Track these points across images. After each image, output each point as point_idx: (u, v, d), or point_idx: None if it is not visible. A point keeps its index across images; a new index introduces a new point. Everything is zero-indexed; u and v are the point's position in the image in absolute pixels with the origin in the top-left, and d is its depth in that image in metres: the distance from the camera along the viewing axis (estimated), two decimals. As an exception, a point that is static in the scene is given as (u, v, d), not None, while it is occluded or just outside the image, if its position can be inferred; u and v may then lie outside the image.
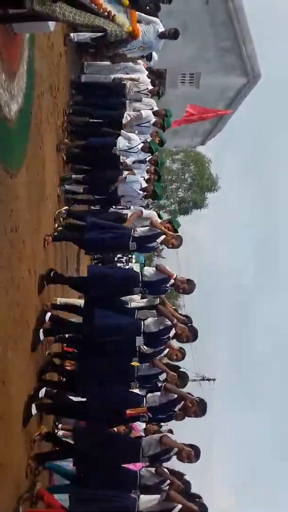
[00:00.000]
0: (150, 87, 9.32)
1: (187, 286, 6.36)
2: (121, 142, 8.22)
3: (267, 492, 75.58)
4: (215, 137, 27.80)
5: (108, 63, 9.76)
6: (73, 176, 8.27)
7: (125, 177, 8.10)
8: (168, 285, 6.45)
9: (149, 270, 6.49)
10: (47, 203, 6.58)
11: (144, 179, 8.41)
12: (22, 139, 5.14)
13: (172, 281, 6.36)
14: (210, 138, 27.49)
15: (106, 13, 4.17)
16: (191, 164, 34.74)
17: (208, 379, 33.14)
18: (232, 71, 21.11)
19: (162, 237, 6.74)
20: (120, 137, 8.24)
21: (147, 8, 10.19)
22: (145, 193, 8.32)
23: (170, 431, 6.48)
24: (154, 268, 6.50)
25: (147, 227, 6.87)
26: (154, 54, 10.21)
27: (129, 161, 8.19)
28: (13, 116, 4.58)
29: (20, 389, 4.94)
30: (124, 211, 8.56)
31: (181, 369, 6.31)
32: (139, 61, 9.83)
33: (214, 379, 33.69)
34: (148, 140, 8.74)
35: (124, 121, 8.61)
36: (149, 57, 10.15)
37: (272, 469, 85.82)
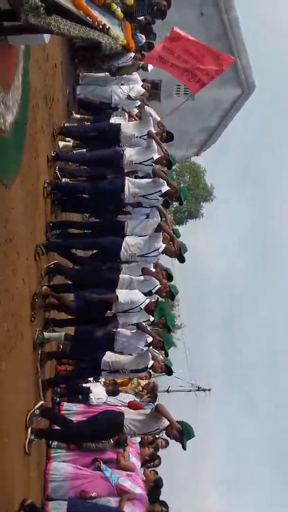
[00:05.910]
0: (156, 156, 7.37)
1: None
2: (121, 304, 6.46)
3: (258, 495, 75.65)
4: (210, 148, 27.88)
5: (103, 74, 9.82)
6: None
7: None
8: None
9: None
10: (41, 215, 6.58)
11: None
12: (17, 150, 5.16)
13: None
14: (205, 149, 27.55)
15: (100, 26, 4.19)
16: (186, 174, 34.86)
17: (204, 390, 33.03)
18: (227, 83, 21.18)
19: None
20: (117, 294, 6.46)
21: (142, 20, 10.31)
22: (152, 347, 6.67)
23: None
24: None
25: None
26: (150, 65, 10.27)
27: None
28: (8, 127, 4.60)
29: (14, 401, 4.92)
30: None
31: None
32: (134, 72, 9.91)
33: (209, 389, 33.58)
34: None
35: (121, 255, 6.94)
36: (145, 68, 10.23)
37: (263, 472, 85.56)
